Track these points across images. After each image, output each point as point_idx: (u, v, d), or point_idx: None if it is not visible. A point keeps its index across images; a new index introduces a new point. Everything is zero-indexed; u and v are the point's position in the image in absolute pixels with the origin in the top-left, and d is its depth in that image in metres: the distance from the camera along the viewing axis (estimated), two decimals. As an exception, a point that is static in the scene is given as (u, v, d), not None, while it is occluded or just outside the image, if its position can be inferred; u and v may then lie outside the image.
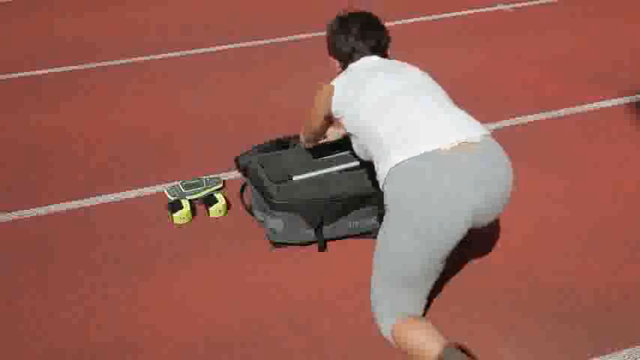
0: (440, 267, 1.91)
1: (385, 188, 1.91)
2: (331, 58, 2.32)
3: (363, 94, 2.05)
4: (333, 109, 2.15)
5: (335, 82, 2.16)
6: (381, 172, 1.94)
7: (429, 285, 1.94)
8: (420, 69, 2.19)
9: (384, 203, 1.93)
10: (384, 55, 2.28)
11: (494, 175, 1.85)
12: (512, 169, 2.84)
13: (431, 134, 1.88)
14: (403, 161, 1.86)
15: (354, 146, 2.15)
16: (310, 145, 2.45)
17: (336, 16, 2.28)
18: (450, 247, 1.86)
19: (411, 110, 1.95)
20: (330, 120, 2.26)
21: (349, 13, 2.27)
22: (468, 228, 1.86)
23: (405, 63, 2.20)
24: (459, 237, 1.85)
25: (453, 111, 1.98)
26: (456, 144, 1.85)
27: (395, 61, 2.21)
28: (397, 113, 1.96)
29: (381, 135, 1.95)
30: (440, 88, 2.10)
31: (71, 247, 2.48)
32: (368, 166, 2.43)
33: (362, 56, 2.22)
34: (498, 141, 3.04)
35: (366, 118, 2.01)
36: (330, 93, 2.15)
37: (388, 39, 2.27)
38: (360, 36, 2.21)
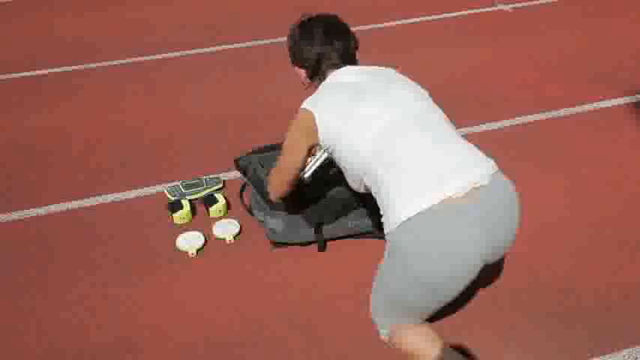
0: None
1: (393, 239, 1.76)
2: (296, 68, 2.12)
3: (353, 125, 1.86)
4: (320, 141, 1.96)
5: (311, 107, 1.94)
6: (390, 222, 1.78)
7: (431, 313, 1.87)
8: (410, 80, 2.03)
9: (390, 250, 1.79)
10: (354, 62, 2.10)
11: (504, 223, 1.77)
12: (513, 169, 2.85)
13: (440, 180, 1.74)
14: (414, 215, 1.71)
15: (347, 178, 2.00)
16: (284, 195, 2.17)
17: (298, 22, 2.11)
18: (457, 294, 1.80)
19: (416, 150, 1.79)
20: (310, 152, 2.05)
21: (310, 18, 2.09)
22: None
23: (390, 71, 2.03)
24: (467, 285, 1.79)
25: (459, 146, 1.83)
26: (468, 189, 1.73)
27: (376, 69, 2.02)
28: (400, 153, 1.80)
29: (384, 178, 1.80)
30: (441, 112, 1.94)
31: (71, 247, 2.48)
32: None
33: (332, 66, 2.05)
34: (499, 141, 3.05)
35: (362, 155, 1.85)
36: (311, 121, 1.94)
37: (356, 43, 2.10)
38: (325, 41, 2.03)
